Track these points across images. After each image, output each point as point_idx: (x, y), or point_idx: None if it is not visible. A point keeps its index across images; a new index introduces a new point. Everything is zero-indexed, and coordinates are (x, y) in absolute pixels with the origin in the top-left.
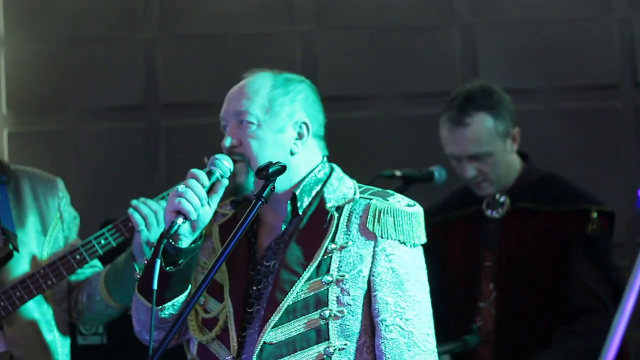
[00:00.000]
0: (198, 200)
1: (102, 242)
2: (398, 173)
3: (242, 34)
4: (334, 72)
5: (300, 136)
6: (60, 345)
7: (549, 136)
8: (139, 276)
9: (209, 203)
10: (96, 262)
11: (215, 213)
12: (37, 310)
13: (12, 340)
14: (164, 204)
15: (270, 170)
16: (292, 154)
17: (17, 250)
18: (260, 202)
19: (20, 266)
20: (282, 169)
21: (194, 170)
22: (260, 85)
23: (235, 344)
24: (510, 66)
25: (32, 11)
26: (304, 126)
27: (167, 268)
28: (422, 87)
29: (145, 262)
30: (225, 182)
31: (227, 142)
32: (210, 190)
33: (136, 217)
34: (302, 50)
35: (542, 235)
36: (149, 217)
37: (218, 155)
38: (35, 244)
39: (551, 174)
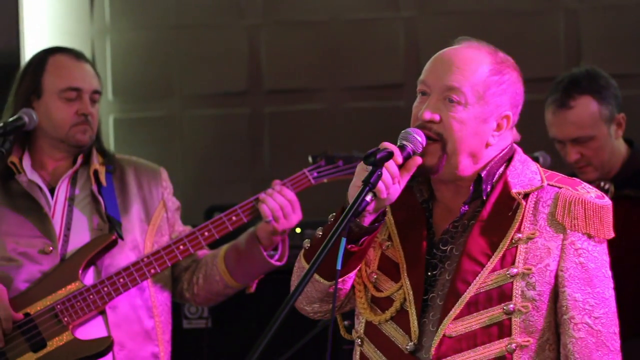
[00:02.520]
0: (390, 178)
1: (206, 234)
2: None
3: (346, 20)
4: None
5: (499, 127)
6: (161, 332)
7: None
8: (307, 245)
9: (398, 181)
10: None
11: None
12: (140, 297)
13: (114, 325)
14: (289, 194)
15: (378, 156)
16: (487, 145)
17: (122, 238)
18: (368, 188)
19: (124, 253)
20: (389, 155)
21: (388, 145)
22: (479, 65)
23: (417, 329)
24: (615, 51)
25: None
26: (505, 120)
27: (349, 246)
28: (525, 72)
29: (320, 234)
30: (419, 159)
31: (427, 114)
32: (402, 167)
33: (265, 209)
34: (405, 36)
35: None
36: (276, 210)
37: (411, 130)
38: (138, 232)
39: None
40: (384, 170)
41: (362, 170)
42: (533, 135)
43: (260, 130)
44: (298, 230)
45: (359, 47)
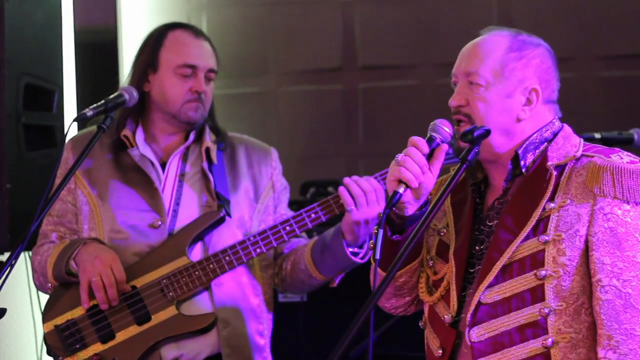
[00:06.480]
0: (418, 168)
1: (313, 216)
2: (597, 136)
3: None
4: (531, 32)
5: (528, 102)
6: (266, 310)
7: None
8: (371, 245)
9: (430, 170)
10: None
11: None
12: (246, 275)
13: (219, 302)
14: (375, 183)
15: (476, 134)
16: (518, 120)
17: (230, 216)
18: (465, 165)
19: (231, 231)
20: (487, 132)
21: (414, 138)
22: (494, 47)
23: (455, 303)
24: None
25: None
26: (533, 93)
27: (394, 237)
28: (621, 48)
29: (375, 232)
30: (446, 147)
31: (453, 102)
32: (431, 157)
33: (346, 196)
34: (498, 10)
35: None
36: (359, 197)
37: (438, 121)
38: (246, 210)
39: None
40: (410, 161)
41: (394, 165)
42: (629, 112)
43: (354, 107)
44: None
45: (454, 22)
